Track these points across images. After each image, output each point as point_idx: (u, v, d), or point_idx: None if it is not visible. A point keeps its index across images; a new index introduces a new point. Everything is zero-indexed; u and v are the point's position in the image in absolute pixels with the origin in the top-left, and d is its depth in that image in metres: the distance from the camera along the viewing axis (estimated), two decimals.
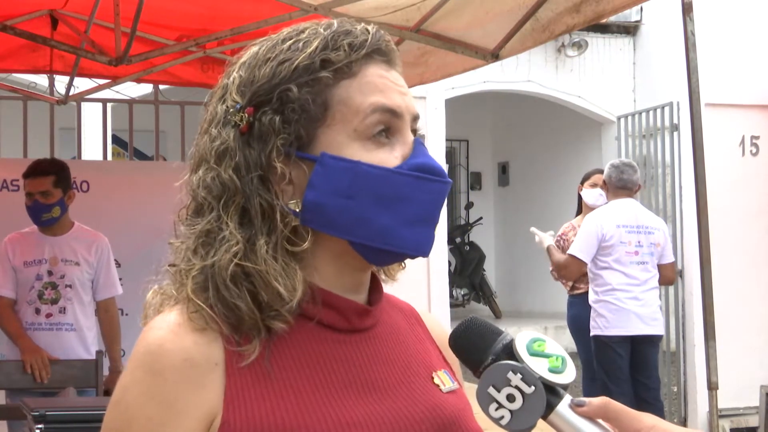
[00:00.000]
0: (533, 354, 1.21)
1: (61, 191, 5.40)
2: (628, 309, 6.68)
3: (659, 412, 6.93)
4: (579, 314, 7.16)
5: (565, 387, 1.22)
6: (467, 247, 14.84)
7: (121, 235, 6.21)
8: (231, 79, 1.33)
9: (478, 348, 1.25)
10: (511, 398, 1.19)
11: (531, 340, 1.23)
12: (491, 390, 1.20)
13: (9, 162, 6.60)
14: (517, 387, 1.19)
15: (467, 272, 14.58)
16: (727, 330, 7.06)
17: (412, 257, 1.34)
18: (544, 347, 1.23)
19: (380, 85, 1.31)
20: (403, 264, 1.43)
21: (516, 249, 14.96)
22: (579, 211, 7.69)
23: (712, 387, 4.54)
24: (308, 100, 1.28)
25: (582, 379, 7.72)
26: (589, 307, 6.87)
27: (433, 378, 1.38)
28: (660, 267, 6.83)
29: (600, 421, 1.20)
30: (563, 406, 1.20)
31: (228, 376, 1.23)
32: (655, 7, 11.31)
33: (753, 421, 7.97)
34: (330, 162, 1.27)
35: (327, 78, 1.29)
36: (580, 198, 7.66)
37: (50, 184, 5.37)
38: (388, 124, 1.30)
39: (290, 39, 1.32)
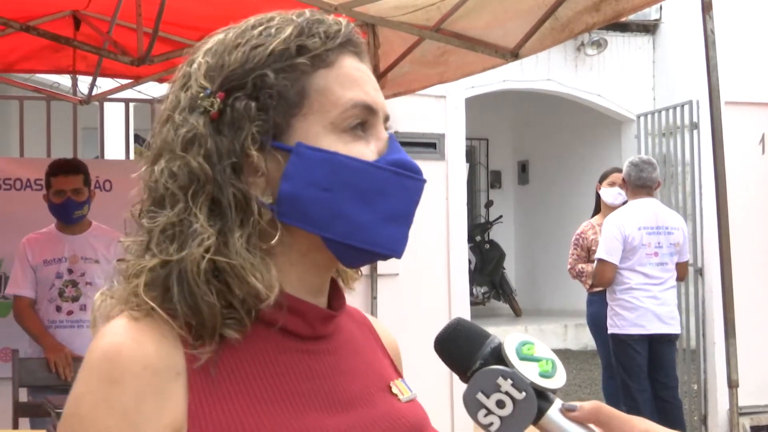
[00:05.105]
0: (523, 358, 1.18)
1: (88, 190, 5.51)
2: (646, 308, 6.69)
3: (678, 410, 6.92)
4: (598, 312, 7.17)
5: (554, 391, 1.19)
6: (487, 246, 14.85)
7: None
8: (195, 65, 1.24)
9: (466, 352, 1.20)
10: (500, 404, 1.16)
11: (520, 344, 1.20)
12: (480, 396, 1.17)
13: (32, 161, 6.65)
14: (507, 393, 1.16)
15: (487, 270, 14.59)
16: (747, 327, 7.03)
17: (386, 258, 1.25)
18: (534, 351, 1.19)
19: (358, 78, 1.25)
20: (360, 272, 1.36)
21: (536, 247, 14.95)
22: (597, 210, 7.69)
23: (733, 385, 4.53)
24: (286, 86, 1.20)
25: (602, 377, 7.72)
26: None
27: (390, 388, 1.32)
28: (676, 265, 6.84)
29: (591, 426, 1.17)
30: (554, 411, 1.17)
31: (191, 387, 1.14)
32: (674, 6, 11.28)
33: None
34: (306, 152, 1.20)
35: (304, 65, 1.22)
36: (598, 197, 7.66)
37: (81, 182, 5.47)
38: (365, 119, 1.24)
39: (260, 25, 1.26)
